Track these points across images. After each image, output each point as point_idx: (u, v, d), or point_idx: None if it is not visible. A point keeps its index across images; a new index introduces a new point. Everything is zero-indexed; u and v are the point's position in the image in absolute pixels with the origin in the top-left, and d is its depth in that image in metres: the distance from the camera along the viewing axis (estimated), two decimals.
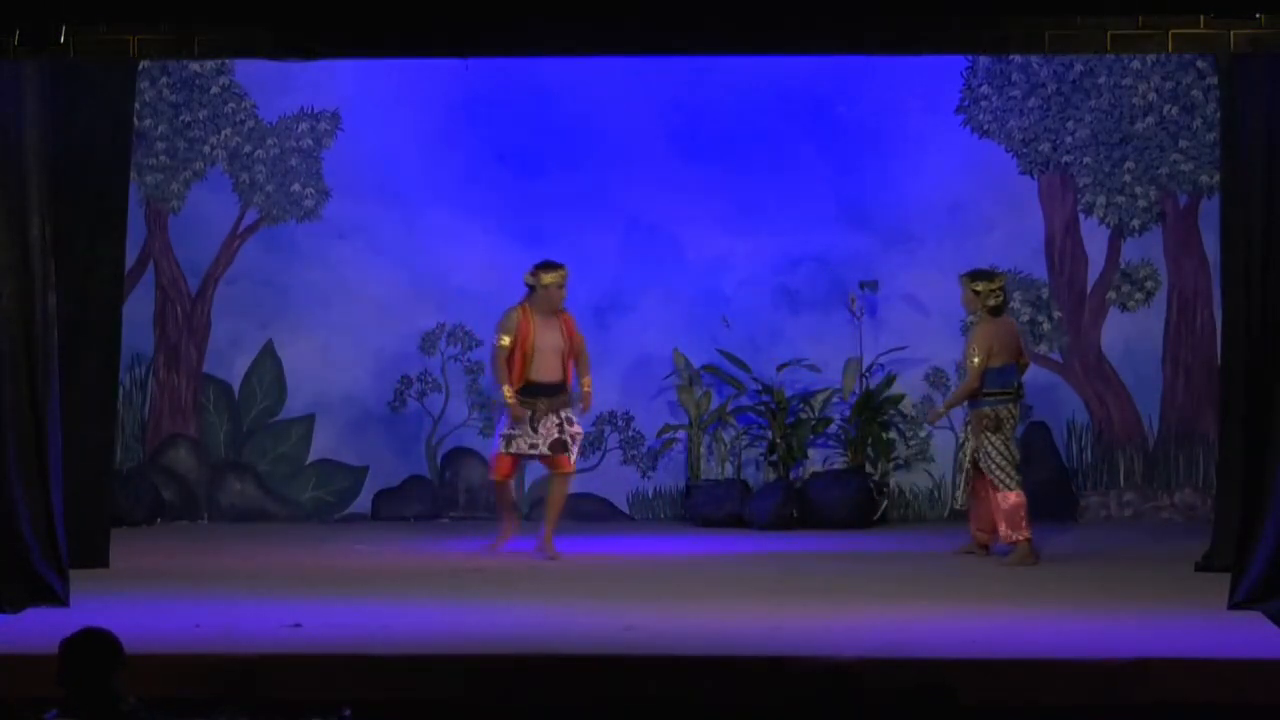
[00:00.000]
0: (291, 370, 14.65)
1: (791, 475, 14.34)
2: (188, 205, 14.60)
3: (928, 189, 14.43)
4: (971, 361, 12.31)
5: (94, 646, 7.00)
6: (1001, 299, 12.39)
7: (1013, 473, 12.20)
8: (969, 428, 12.49)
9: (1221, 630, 9.98)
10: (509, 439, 12.56)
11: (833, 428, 14.46)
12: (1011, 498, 12.17)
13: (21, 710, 6.95)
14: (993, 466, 12.20)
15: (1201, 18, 9.86)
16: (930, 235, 14.47)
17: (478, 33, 10.07)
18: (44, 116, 10.80)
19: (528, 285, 12.61)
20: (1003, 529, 12.20)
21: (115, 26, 10.06)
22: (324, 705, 8.75)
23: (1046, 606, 10.69)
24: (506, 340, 12.51)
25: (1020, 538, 12.16)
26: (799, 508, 14.04)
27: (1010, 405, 12.31)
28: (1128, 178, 14.34)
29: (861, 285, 14.34)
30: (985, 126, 14.43)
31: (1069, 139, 14.35)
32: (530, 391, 12.52)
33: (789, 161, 14.47)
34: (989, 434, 12.22)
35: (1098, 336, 14.42)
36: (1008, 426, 12.28)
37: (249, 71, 14.44)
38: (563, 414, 12.58)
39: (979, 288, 12.35)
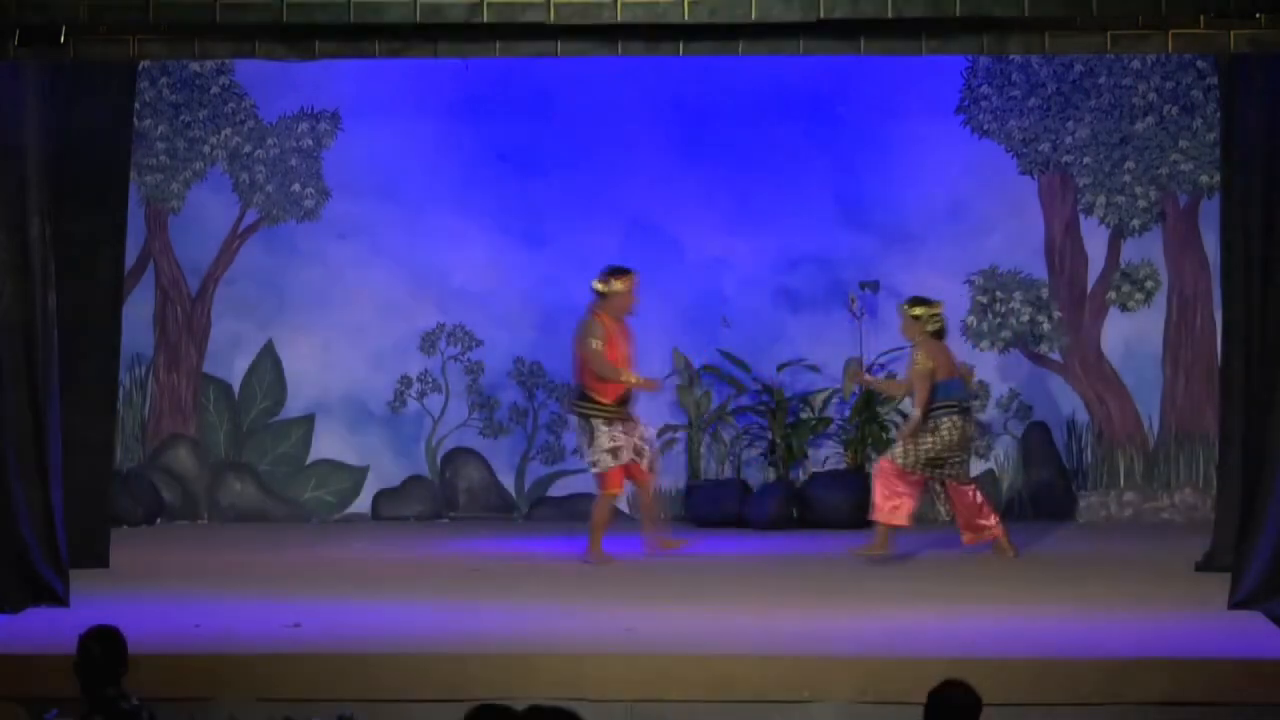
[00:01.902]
0: (291, 370, 14.65)
1: (791, 475, 14.35)
2: (188, 205, 14.60)
3: (928, 189, 14.42)
4: (925, 366, 12.37)
5: (111, 644, 7.03)
6: (941, 324, 12.48)
7: (907, 453, 12.28)
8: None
9: (1221, 630, 9.99)
10: (616, 451, 12.44)
11: (833, 428, 14.46)
12: (884, 463, 12.32)
13: (21, 710, 6.95)
14: (897, 445, 12.33)
15: (1201, 18, 9.87)
16: (930, 235, 14.47)
17: (476, 33, 10.08)
18: (44, 116, 10.81)
19: (599, 293, 12.50)
20: (878, 499, 12.29)
21: (115, 26, 10.07)
22: (324, 705, 8.78)
23: (1046, 606, 10.69)
24: (598, 344, 12.37)
25: (882, 526, 12.30)
26: (799, 508, 14.04)
27: (954, 415, 12.38)
28: (1128, 178, 14.33)
29: (861, 285, 14.34)
30: (985, 126, 14.42)
31: (1069, 139, 14.34)
32: (623, 400, 12.43)
33: (789, 161, 14.47)
34: (923, 433, 12.29)
35: (1098, 336, 14.42)
36: (943, 433, 12.33)
37: (249, 71, 14.44)
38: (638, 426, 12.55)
39: (918, 313, 12.42)
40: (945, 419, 12.38)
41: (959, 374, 12.57)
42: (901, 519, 12.37)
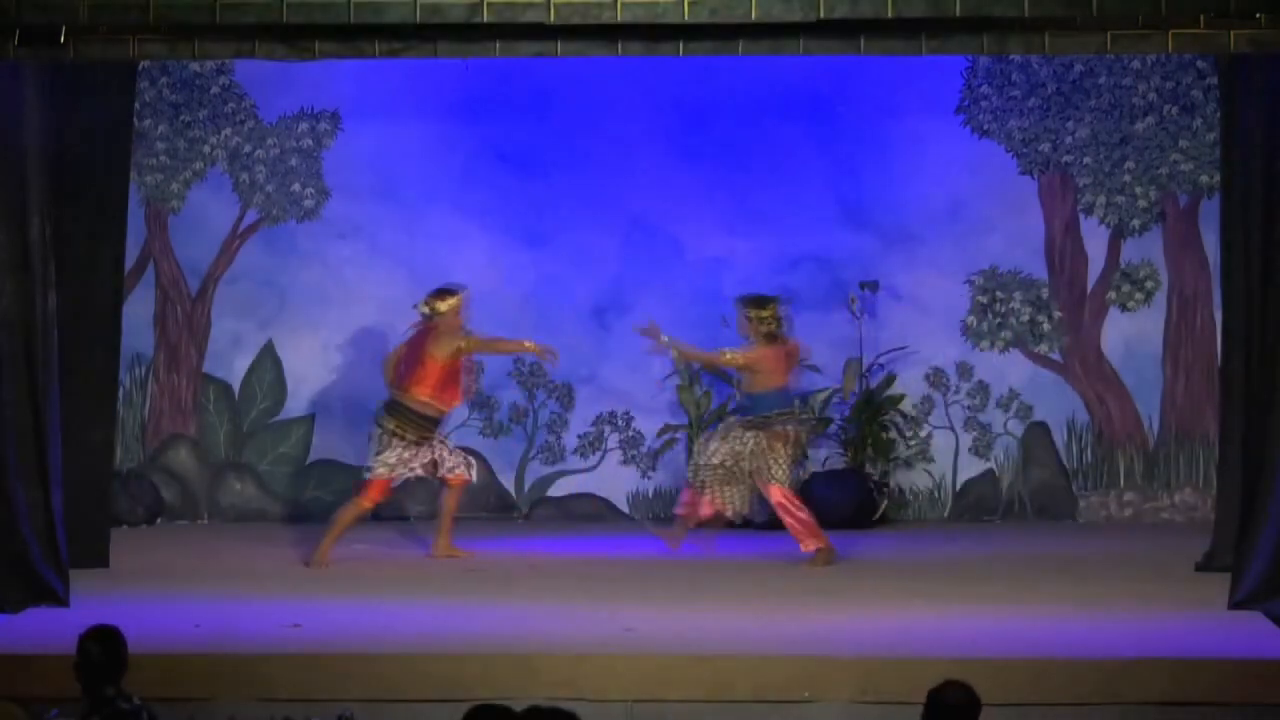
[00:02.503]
0: (291, 370, 14.65)
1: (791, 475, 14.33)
2: (188, 205, 14.60)
3: (928, 189, 14.42)
4: (724, 355, 12.49)
5: (110, 645, 7.03)
6: (774, 326, 12.44)
7: (785, 477, 12.41)
8: (754, 444, 12.44)
9: (1221, 630, 9.99)
10: (394, 467, 12.49)
11: (833, 428, 14.46)
12: (779, 491, 12.33)
13: (21, 710, 6.95)
14: (775, 472, 12.34)
15: (1201, 18, 9.87)
16: (930, 235, 14.46)
17: (476, 33, 10.08)
18: (44, 116, 10.81)
19: (425, 315, 12.54)
20: (807, 543, 12.35)
21: (115, 26, 10.07)
22: (324, 705, 8.78)
23: (1046, 606, 10.69)
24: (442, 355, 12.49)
25: (819, 545, 12.33)
26: None
27: (792, 425, 12.45)
28: (1128, 178, 14.34)
29: (861, 285, 14.34)
30: (985, 126, 14.43)
31: (1069, 139, 14.35)
32: (422, 419, 12.50)
33: (789, 161, 14.47)
34: (779, 446, 12.36)
35: (1098, 336, 14.42)
36: (793, 440, 12.45)
37: (249, 71, 14.44)
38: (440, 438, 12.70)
39: (750, 314, 12.42)
40: (790, 429, 12.42)
41: (786, 383, 12.57)
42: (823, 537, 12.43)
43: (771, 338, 12.45)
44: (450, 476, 12.61)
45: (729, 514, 12.52)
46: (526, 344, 12.90)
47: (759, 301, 12.54)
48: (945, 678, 6.60)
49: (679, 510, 12.81)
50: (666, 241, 14.57)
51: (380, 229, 14.59)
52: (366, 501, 12.56)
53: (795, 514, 12.35)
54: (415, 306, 12.68)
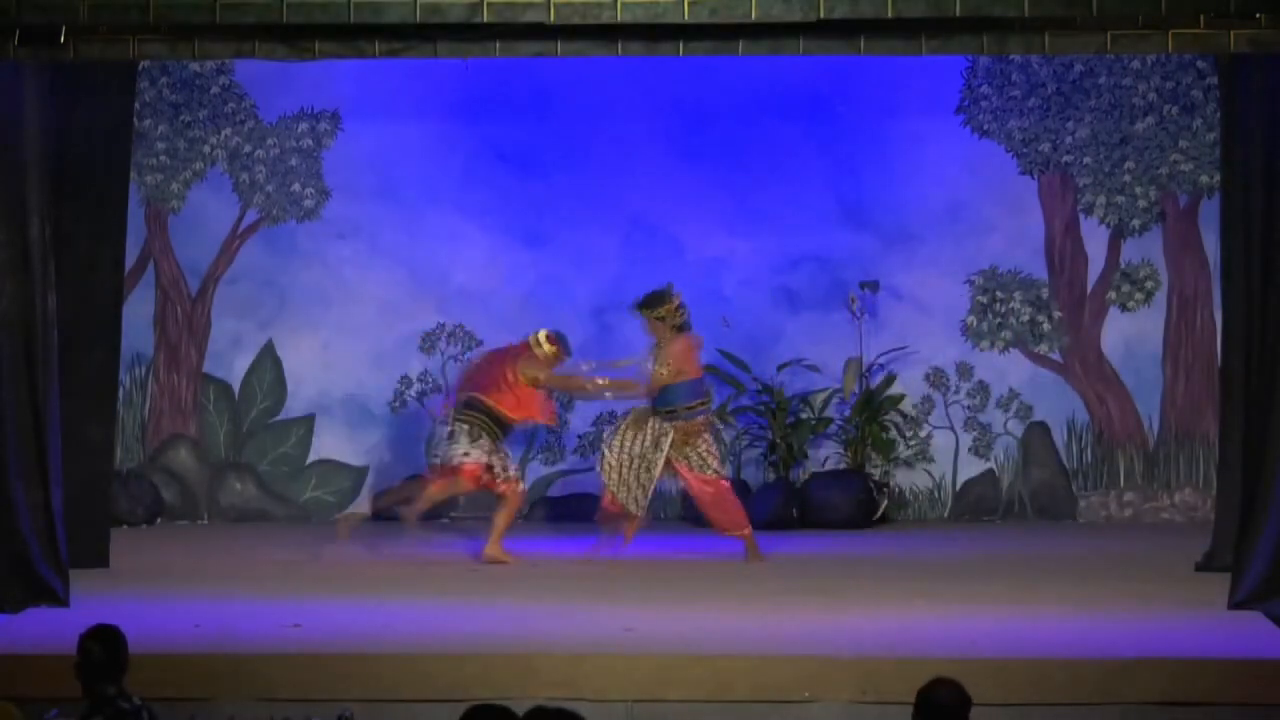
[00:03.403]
0: (291, 370, 14.65)
1: (791, 475, 14.34)
2: (188, 205, 14.60)
3: (928, 189, 14.43)
4: (660, 371, 12.40)
5: (111, 644, 7.03)
6: (682, 316, 12.46)
7: (721, 466, 12.62)
8: (670, 438, 12.43)
9: (1221, 630, 9.99)
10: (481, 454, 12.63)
11: (833, 428, 14.46)
12: (724, 485, 12.49)
13: (20, 711, 6.95)
14: (709, 461, 12.43)
15: (1201, 18, 9.87)
16: (930, 235, 14.47)
17: (476, 33, 10.08)
18: (44, 116, 10.81)
19: (529, 347, 12.62)
20: (745, 529, 12.45)
21: (115, 26, 10.07)
22: (324, 705, 8.79)
23: (1046, 606, 10.69)
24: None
25: (743, 533, 12.43)
26: (799, 508, 14.04)
27: (703, 414, 12.51)
28: (1128, 178, 14.34)
29: (862, 285, 14.35)
30: (985, 126, 14.43)
31: (1069, 139, 14.35)
32: (496, 421, 12.58)
33: (789, 162, 14.47)
34: (703, 435, 12.43)
35: (1098, 336, 14.43)
36: (711, 428, 12.64)
37: (249, 71, 14.44)
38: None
39: (661, 313, 12.43)
40: (705, 418, 12.52)
41: (699, 373, 12.63)
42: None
43: (680, 329, 12.46)
44: (504, 486, 12.64)
45: (633, 510, 12.51)
46: (600, 381, 12.91)
47: (659, 298, 12.53)
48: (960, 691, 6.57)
49: (612, 510, 12.63)
50: (666, 241, 14.57)
51: (380, 229, 14.59)
52: (469, 482, 12.62)
53: (732, 503, 12.43)
54: (532, 336, 12.64)
